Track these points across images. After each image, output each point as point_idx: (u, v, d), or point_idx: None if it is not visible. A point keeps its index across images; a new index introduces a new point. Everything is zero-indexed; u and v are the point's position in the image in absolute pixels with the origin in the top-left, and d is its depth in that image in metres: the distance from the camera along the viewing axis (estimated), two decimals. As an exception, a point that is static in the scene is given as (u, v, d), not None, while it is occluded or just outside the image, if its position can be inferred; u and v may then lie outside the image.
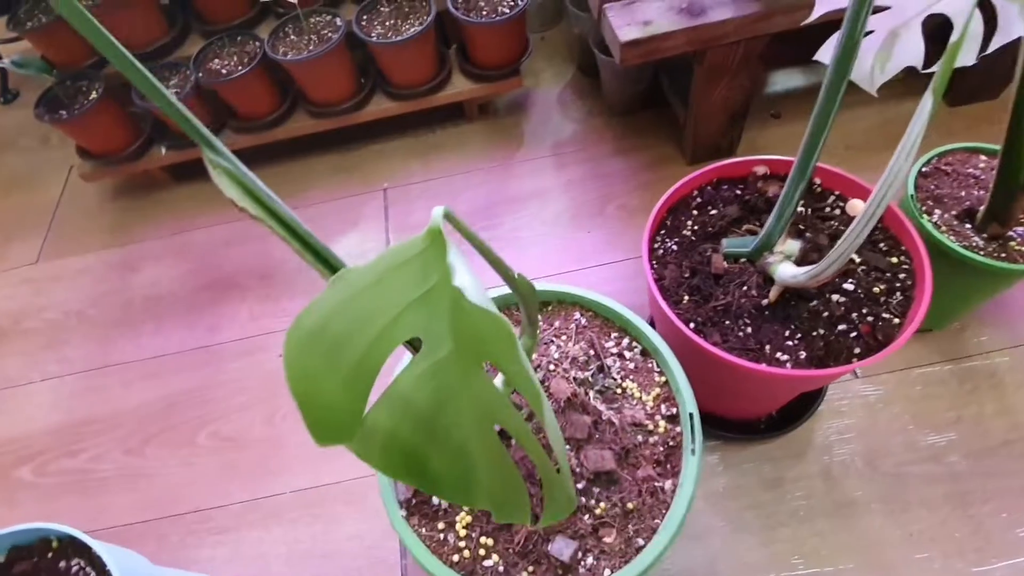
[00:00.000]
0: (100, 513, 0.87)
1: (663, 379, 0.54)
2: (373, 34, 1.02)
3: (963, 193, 0.72)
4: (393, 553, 0.78)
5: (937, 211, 0.72)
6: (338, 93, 1.08)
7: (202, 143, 0.32)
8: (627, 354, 0.56)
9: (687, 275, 0.62)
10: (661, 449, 0.52)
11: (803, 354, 0.56)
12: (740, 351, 0.56)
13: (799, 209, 0.66)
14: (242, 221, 1.15)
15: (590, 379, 0.55)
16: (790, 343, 0.57)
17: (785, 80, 1.18)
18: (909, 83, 1.07)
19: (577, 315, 0.59)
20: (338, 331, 0.30)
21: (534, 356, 0.57)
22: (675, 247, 0.66)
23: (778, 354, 0.56)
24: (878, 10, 0.50)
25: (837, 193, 0.67)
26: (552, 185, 1.11)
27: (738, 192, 0.68)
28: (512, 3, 1.03)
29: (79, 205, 1.23)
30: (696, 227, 0.66)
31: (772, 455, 0.79)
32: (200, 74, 1.03)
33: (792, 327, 0.58)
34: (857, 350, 0.55)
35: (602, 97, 1.21)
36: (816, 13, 0.53)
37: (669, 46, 0.84)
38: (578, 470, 0.51)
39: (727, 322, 0.59)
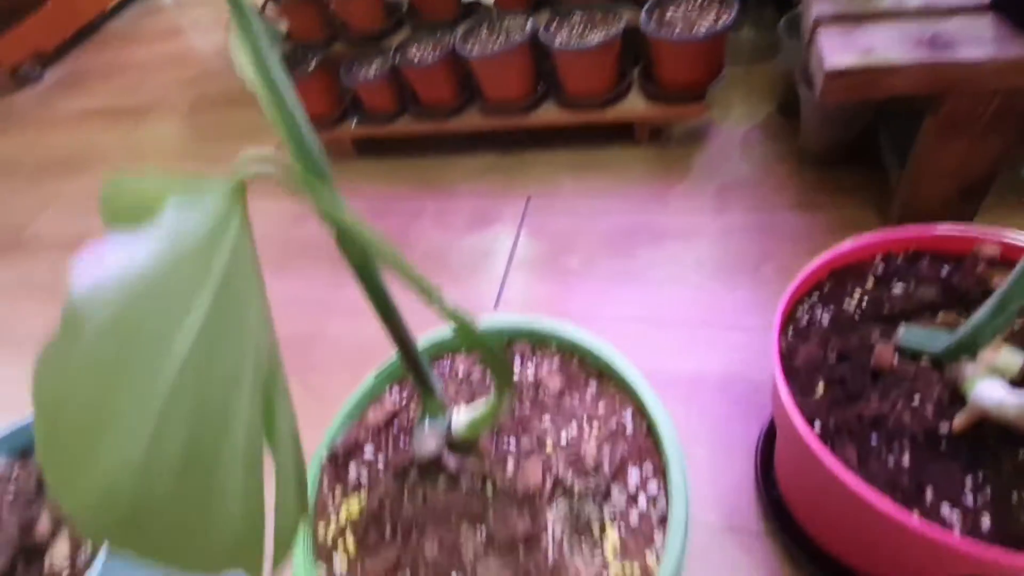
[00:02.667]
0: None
1: (653, 563, 0.39)
2: (557, 39, 1.01)
3: None
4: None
5: None
6: (511, 93, 1.09)
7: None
8: (642, 500, 0.42)
9: (833, 360, 0.47)
10: None
11: (987, 520, 0.37)
12: (884, 484, 0.40)
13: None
14: (395, 199, 1.22)
15: (577, 491, 0.42)
16: (970, 497, 0.38)
17: (1068, 161, 0.89)
18: None
19: (629, 414, 0.47)
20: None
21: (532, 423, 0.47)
22: (827, 319, 0.50)
23: (944, 506, 0.38)
24: None
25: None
26: (706, 228, 0.97)
27: (945, 273, 0.50)
28: (714, 22, 0.93)
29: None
30: (866, 301, 0.50)
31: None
32: (397, 58, 1.11)
33: (980, 475, 0.39)
34: (1088, 545, 0.35)
35: (797, 142, 1.04)
36: None
37: (894, 83, 0.67)
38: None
39: (874, 438, 0.42)
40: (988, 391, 0.38)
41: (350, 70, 1.18)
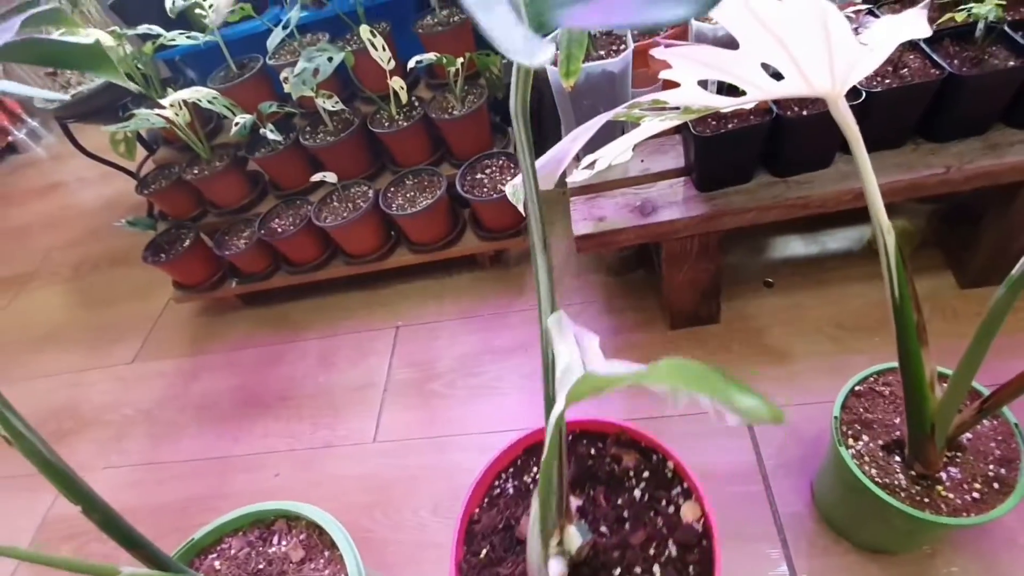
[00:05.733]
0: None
1: None
2: (393, 205, 1.22)
3: (896, 420, 0.69)
4: None
5: (864, 438, 0.69)
6: (367, 247, 1.29)
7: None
8: None
9: (500, 526, 0.62)
10: None
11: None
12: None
13: (636, 493, 0.62)
14: (282, 344, 1.36)
15: None
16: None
17: (783, 247, 1.19)
18: (922, 258, 1.04)
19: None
20: None
21: None
22: (512, 490, 0.66)
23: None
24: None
25: (686, 485, 0.62)
26: (538, 337, 1.19)
27: (592, 451, 0.67)
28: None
29: (174, 317, 1.53)
30: (538, 477, 0.68)
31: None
32: (262, 231, 1.28)
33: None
34: None
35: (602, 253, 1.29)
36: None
37: (621, 240, 0.92)
38: None
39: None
40: (553, 569, 0.55)
41: (222, 242, 1.33)
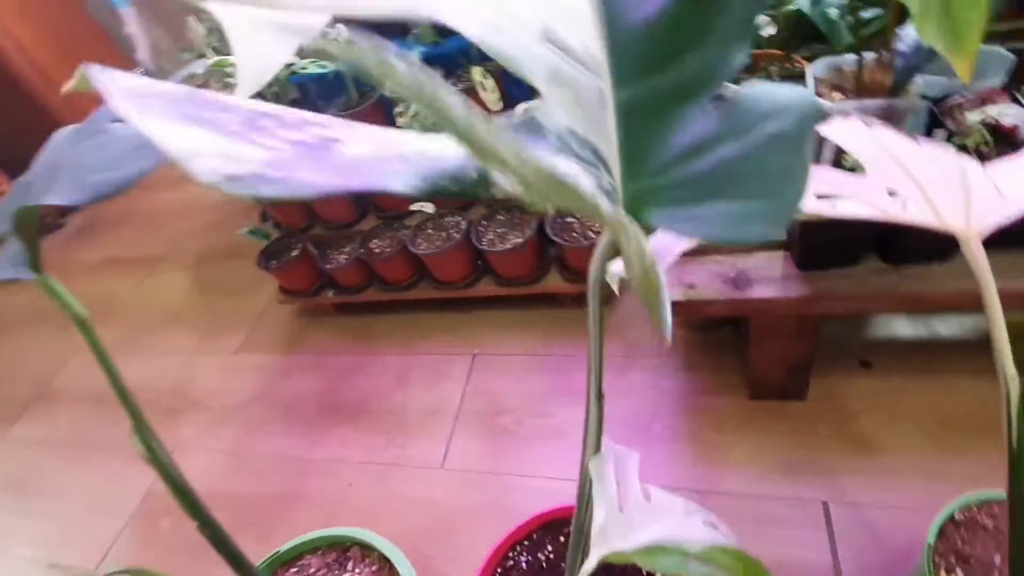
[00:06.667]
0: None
1: None
2: (484, 240, 1.27)
3: (997, 559, 0.64)
4: None
5: (959, 572, 0.64)
6: (455, 275, 1.34)
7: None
8: None
9: None
10: None
11: None
12: None
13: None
14: (368, 354, 1.45)
15: None
16: None
17: (886, 325, 1.12)
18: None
19: None
20: None
21: None
22: (525, 565, 0.67)
23: None
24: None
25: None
26: (612, 387, 1.18)
27: None
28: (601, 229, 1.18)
29: (274, 315, 1.67)
30: (552, 555, 0.68)
31: None
32: (362, 250, 1.37)
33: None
34: None
35: (686, 309, 1.27)
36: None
37: (711, 311, 0.91)
38: None
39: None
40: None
41: (326, 256, 1.44)
